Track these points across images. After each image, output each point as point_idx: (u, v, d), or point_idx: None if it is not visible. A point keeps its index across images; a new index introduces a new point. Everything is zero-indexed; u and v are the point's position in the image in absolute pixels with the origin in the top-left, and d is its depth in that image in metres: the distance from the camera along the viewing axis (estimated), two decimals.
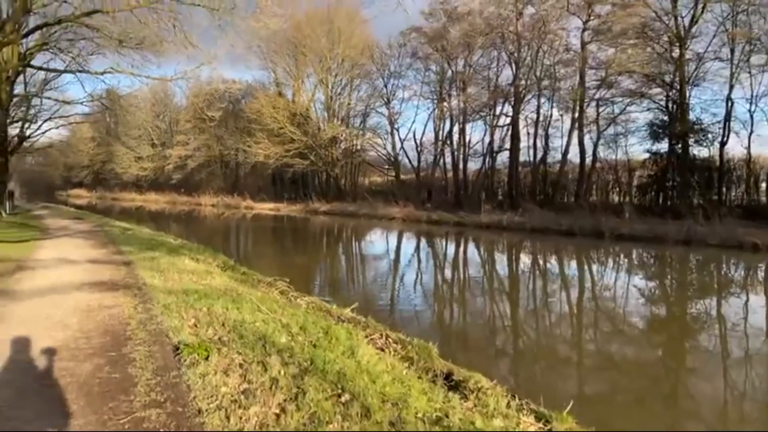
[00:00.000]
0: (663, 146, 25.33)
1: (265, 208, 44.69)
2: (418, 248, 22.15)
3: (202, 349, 4.40)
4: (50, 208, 35.30)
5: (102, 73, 20.23)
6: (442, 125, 38.93)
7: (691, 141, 23.68)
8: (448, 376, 4.78)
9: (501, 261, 18.71)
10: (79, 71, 20.56)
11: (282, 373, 4.03)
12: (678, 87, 23.58)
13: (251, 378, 3.94)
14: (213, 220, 38.13)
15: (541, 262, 18.16)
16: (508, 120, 33.95)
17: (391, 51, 40.72)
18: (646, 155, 26.42)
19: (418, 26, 35.75)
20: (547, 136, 31.41)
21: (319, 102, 44.96)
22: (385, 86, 41.35)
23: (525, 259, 18.79)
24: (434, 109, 39.08)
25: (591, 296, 12.44)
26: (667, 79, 24.24)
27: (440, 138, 38.73)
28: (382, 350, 5.37)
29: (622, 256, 19.41)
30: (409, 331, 6.31)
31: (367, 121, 45.09)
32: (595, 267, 17.20)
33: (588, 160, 29.19)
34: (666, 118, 24.75)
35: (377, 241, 24.79)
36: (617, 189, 28.70)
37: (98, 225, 19.80)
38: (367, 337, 5.70)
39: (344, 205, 37.44)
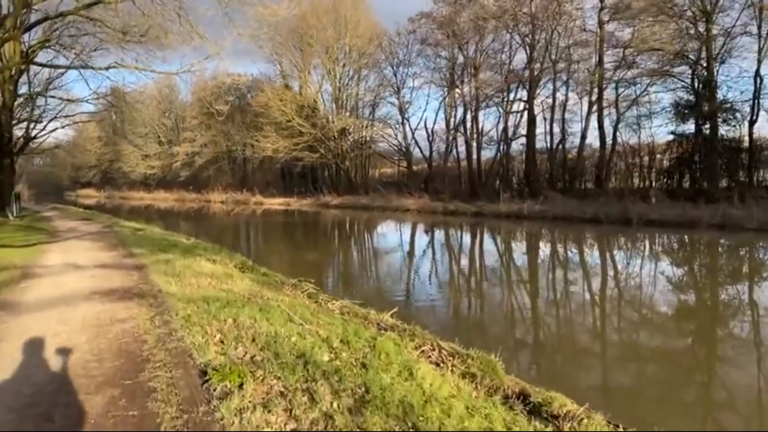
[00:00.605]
0: (688, 127, 24.36)
1: (275, 203, 44.06)
2: (440, 241, 21.23)
3: (235, 374, 3.69)
4: (59, 209, 34.81)
5: (106, 69, 19.56)
6: (453, 113, 38.05)
7: (718, 121, 22.64)
8: (522, 397, 4.04)
9: (532, 253, 17.23)
10: (83, 67, 19.88)
11: (335, 406, 3.32)
12: (705, 64, 22.49)
13: (298, 414, 3.22)
14: (223, 216, 37.51)
15: (574, 252, 17.13)
16: (522, 105, 33.14)
17: (399, 38, 39.82)
18: (670, 137, 25.47)
19: (428, 12, 34.88)
20: (564, 121, 30.42)
21: (326, 93, 44.10)
22: (395, 75, 40.49)
23: (557, 250, 17.68)
24: (445, 97, 38.20)
25: (658, 294, 11.41)
26: (693, 56, 23.13)
27: (452, 126, 37.82)
28: (438, 365, 4.63)
29: (657, 242, 18.42)
30: (460, 340, 5.57)
31: (376, 111, 44.26)
32: (636, 256, 16.05)
33: (608, 144, 28.23)
34: (692, 97, 23.68)
35: (395, 235, 23.99)
36: (639, 173, 27.54)
37: (107, 226, 19.18)
38: (417, 348, 4.97)
39: (356, 198, 36.70)
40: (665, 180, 25.85)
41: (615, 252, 16.95)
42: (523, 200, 25.05)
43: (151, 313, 5.61)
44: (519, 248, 18.60)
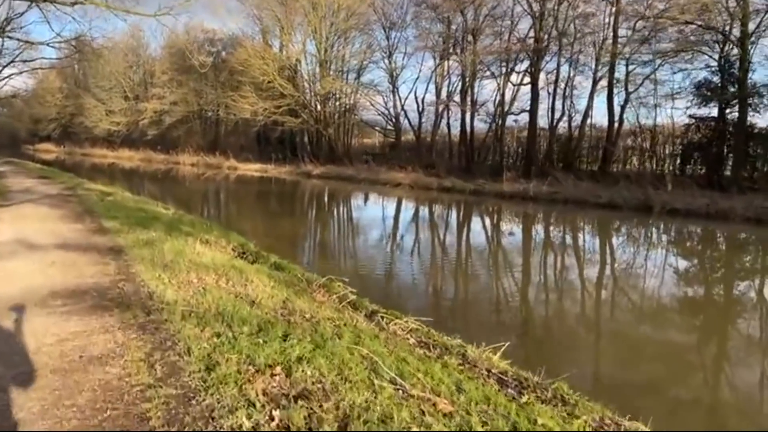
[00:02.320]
0: (708, 111, 22.84)
1: (251, 169, 41.36)
2: (449, 223, 19.15)
3: None
4: (14, 163, 31.57)
5: (72, 5, 16.80)
6: (447, 83, 35.88)
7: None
8: None
9: (566, 247, 14.99)
10: (45, 0, 16.99)
11: None
12: (737, 43, 20.75)
13: None
14: (195, 181, 34.87)
15: (611, 244, 15.34)
16: (520, 78, 31.25)
17: None
18: (686, 120, 23.87)
19: None
20: (572, 97, 28.66)
21: (309, 54, 41.17)
22: (387, 38, 37.89)
23: (589, 241, 15.84)
24: (438, 65, 35.95)
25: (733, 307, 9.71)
26: (721, 33, 21.33)
27: (445, 96, 35.68)
28: None
29: (694, 237, 16.77)
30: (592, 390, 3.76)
31: (362, 76, 41.70)
32: (689, 255, 14.09)
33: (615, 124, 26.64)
34: (716, 78, 22.12)
35: (396, 213, 21.75)
36: (650, 157, 25.91)
37: (70, 187, 16.65)
38: None
39: (340, 169, 34.38)
40: (681, 165, 24.31)
41: (658, 247, 14.88)
42: (528, 180, 23.29)
43: (147, 347, 3.58)
44: (551, 238, 16.19)
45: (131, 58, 60.11)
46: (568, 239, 16.25)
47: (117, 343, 3.64)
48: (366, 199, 26.18)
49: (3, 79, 33.49)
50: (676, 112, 27.20)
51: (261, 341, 3.68)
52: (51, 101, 67.77)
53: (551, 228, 18.47)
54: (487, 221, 20.04)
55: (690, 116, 23.59)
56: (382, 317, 5.13)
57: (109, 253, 6.70)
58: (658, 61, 25.06)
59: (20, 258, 6.26)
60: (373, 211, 22.53)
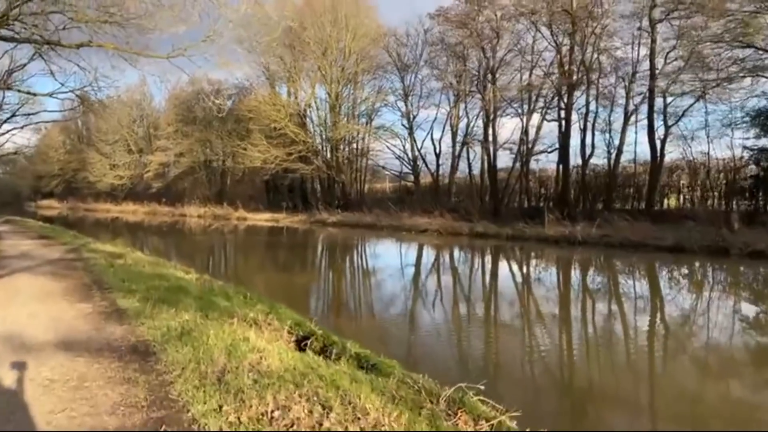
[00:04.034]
0: (762, 142, 20.99)
1: (261, 218, 39.51)
2: (522, 279, 15.68)
3: None
4: (15, 222, 29.72)
5: (78, 47, 15.25)
6: (466, 123, 34.41)
7: None
8: None
9: (648, 298, 12.57)
10: (47, 43, 15.42)
11: None
12: None
13: None
14: (203, 233, 32.93)
15: (717, 299, 12.59)
16: (539, 116, 29.86)
17: (408, 39, 36.16)
18: (738, 152, 22.08)
19: (445, 9, 31.28)
20: (610, 132, 26.90)
21: (320, 99, 39.93)
22: (402, 80, 36.66)
23: (690, 298, 12.73)
24: (454, 105, 34.57)
25: None
26: None
27: (466, 135, 34.13)
28: None
29: None
30: None
31: (375, 120, 40.44)
32: None
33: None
34: None
35: (443, 264, 19.25)
36: (701, 193, 23.78)
37: (73, 249, 14.68)
38: None
39: (357, 216, 32.50)
40: (740, 201, 22.29)
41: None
42: (573, 222, 21.26)
43: None
44: (642, 293, 13.28)
45: (135, 112, 59.37)
46: (668, 295, 13.16)
47: None
48: (401, 248, 23.90)
49: (4, 134, 32.12)
50: (721, 144, 25.18)
51: None
52: (54, 157, 67.10)
53: (634, 280, 15.52)
54: (555, 272, 17.11)
55: (745, 148, 21.80)
56: None
57: (133, 356, 4.65)
58: (698, 92, 23.43)
59: (6, 372, 4.22)
60: (414, 262, 20.12)
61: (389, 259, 21.37)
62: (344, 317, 10.71)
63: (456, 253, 21.73)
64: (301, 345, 5.95)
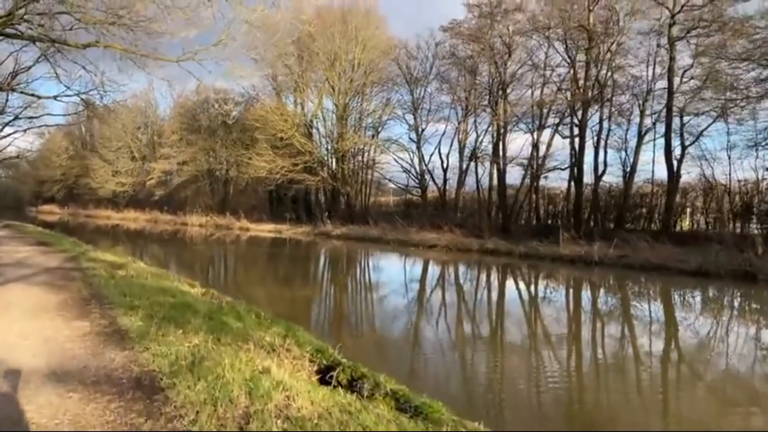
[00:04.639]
0: None
1: (264, 229, 38.80)
2: (559, 307, 14.25)
3: None
4: (14, 227, 29.04)
5: (85, 47, 14.72)
6: (475, 138, 33.83)
7: None
8: None
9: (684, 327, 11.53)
10: (53, 42, 14.89)
11: None
12: None
13: None
14: (205, 243, 32.22)
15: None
16: (551, 132, 29.27)
17: (419, 52, 35.71)
18: (761, 174, 21.41)
19: (458, 22, 30.86)
20: (626, 150, 26.24)
21: (327, 110, 39.46)
22: (411, 93, 36.15)
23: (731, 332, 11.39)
24: (463, 120, 33.99)
25: None
26: None
27: (475, 150, 33.52)
28: None
29: None
30: None
31: (382, 132, 39.97)
32: None
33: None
34: None
35: (461, 283, 18.23)
36: (729, 215, 22.94)
37: (71, 257, 14.00)
38: None
39: (363, 229, 31.84)
40: (760, 225, 21.57)
41: None
42: (589, 241, 20.54)
43: None
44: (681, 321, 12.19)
45: (140, 119, 58.97)
46: (705, 324, 12.03)
47: None
48: (412, 264, 22.97)
49: (6, 136, 31.58)
50: (742, 165, 24.40)
51: None
52: (56, 162, 66.74)
53: (670, 307, 14.26)
54: (589, 297, 15.75)
55: (767, 169, 21.17)
56: None
57: (136, 393, 3.96)
58: (717, 110, 22.88)
59: None
60: (431, 280, 19.01)
61: (401, 275, 20.38)
62: (365, 341, 9.88)
63: (472, 271, 20.78)
64: (326, 377, 5.25)
